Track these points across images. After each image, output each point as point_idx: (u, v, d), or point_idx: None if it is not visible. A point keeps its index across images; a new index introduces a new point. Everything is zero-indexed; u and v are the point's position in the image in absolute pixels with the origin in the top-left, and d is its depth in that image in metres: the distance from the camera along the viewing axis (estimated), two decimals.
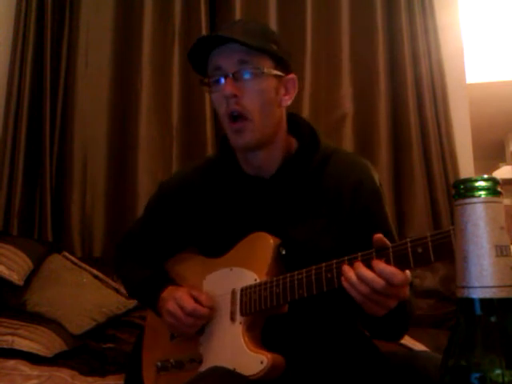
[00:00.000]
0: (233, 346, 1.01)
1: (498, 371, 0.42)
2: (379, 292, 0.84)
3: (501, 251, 0.43)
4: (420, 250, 0.82)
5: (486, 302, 0.43)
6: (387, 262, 0.84)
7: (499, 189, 0.45)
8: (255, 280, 1.02)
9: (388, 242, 0.86)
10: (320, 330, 1.07)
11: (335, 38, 2.48)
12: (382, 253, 0.86)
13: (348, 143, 2.39)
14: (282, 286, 0.97)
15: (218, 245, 1.12)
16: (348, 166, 1.08)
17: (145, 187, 2.41)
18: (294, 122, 1.12)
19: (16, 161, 2.38)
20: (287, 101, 1.07)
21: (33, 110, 2.43)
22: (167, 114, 2.48)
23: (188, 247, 1.22)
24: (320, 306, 1.04)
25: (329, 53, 2.48)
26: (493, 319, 0.43)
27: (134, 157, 2.43)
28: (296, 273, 0.96)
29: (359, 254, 0.88)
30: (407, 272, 0.86)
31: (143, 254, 1.25)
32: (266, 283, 1.00)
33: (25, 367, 1.52)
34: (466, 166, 2.42)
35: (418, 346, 1.64)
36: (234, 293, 1.05)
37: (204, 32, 2.46)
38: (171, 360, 1.10)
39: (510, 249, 0.44)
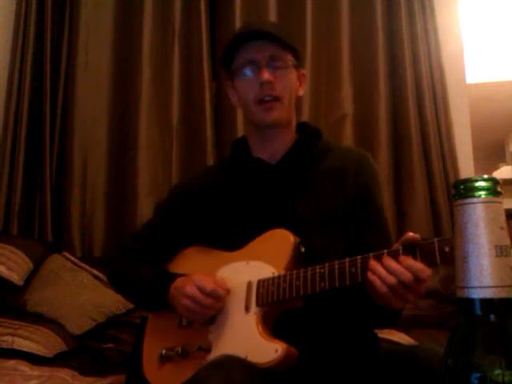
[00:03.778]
0: (246, 334, 1.01)
1: (498, 371, 0.41)
2: (406, 285, 0.87)
3: (501, 251, 0.43)
4: (447, 249, 0.84)
5: (485, 302, 0.43)
6: (414, 258, 0.88)
7: (499, 189, 0.45)
8: (273, 273, 1.03)
9: (419, 239, 0.89)
10: (332, 327, 1.08)
11: (335, 37, 2.48)
12: (409, 250, 0.89)
13: (348, 143, 2.39)
14: (303, 279, 0.98)
15: (231, 233, 1.14)
16: (349, 151, 1.26)
17: (145, 187, 2.41)
18: (302, 125, 1.26)
19: (16, 161, 2.38)
20: (301, 91, 1.24)
21: (33, 110, 2.43)
22: (167, 114, 2.48)
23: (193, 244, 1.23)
24: (334, 304, 1.06)
25: (329, 53, 2.48)
26: (493, 319, 0.43)
27: (134, 157, 2.43)
28: (318, 267, 0.97)
29: (385, 250, 0.91)
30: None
31: (149, 255, 1.25)
32: (285, 276, 1.01)
33: (25, 367, 1.51)
34: (466, 166, 2.42)
35: None
36: (249, 284, 1.05)
37: (204, 32, 2.47)
38: (177, 348, 1.08)
39: (510, 249, 0.44)
